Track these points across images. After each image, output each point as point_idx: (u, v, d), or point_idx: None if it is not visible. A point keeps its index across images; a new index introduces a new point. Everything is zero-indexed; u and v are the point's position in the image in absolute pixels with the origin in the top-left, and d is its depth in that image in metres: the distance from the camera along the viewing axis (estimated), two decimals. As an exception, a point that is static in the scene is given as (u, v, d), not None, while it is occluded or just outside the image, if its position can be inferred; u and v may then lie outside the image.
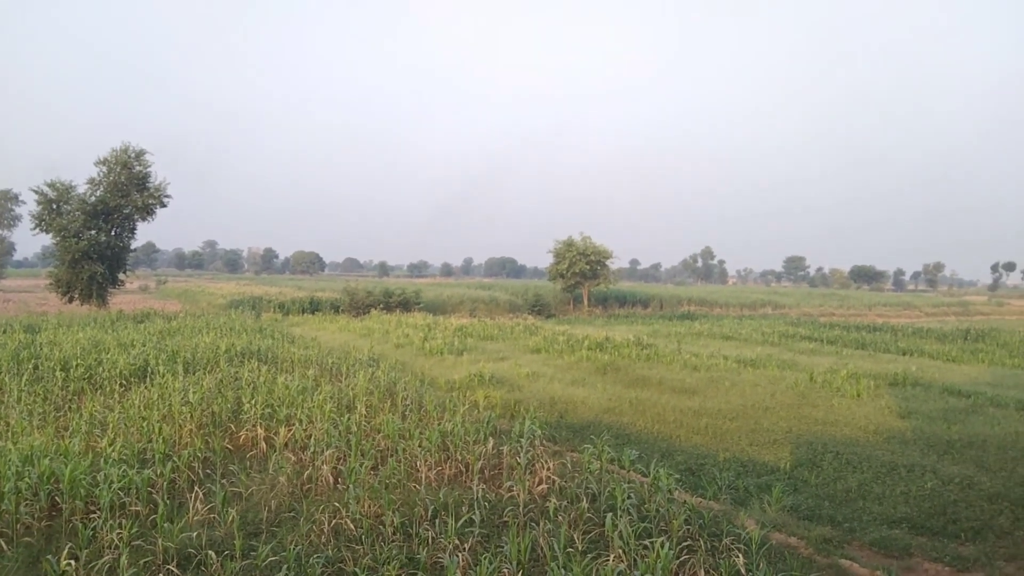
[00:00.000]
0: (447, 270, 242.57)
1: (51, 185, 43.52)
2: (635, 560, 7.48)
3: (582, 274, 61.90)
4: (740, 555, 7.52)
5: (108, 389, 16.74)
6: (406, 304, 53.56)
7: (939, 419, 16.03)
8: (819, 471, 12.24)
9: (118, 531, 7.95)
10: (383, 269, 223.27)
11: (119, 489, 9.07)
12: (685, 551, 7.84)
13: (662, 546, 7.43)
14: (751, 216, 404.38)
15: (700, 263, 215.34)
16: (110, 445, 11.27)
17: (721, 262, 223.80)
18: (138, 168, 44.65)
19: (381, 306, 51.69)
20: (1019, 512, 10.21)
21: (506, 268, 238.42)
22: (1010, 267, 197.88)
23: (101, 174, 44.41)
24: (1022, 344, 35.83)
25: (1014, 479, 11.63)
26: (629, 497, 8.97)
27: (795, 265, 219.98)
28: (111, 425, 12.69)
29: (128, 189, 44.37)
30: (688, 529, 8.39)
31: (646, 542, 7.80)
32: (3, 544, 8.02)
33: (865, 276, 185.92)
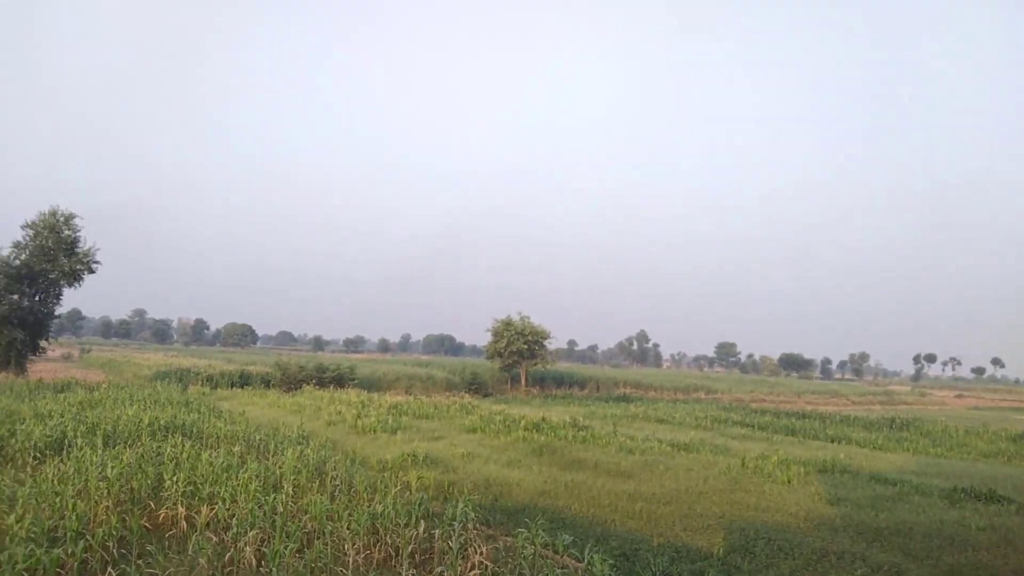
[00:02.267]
0: (384, 346, 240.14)
1: (-30, 248, 42.17)
2: (568, 650, 7.31)
3: (520, 353, 62.00)
4: (674, 645, 7.42)
5: (20, 462, 15.91)
6: (340, 380, 52.64)
7: (867, 506, 16.28)
8: (752, 557, 12.25)
9: (20, 616, 7.44)
10: (318, 343, 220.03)
11: (24, 569, 8.55)
12: (619, 640, 7.71)
13: (595, 635, 7.29)
14: (684, 301, 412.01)
15: (636, 346, 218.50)
16: (18, 522, 10.63)
17: (656, 345, 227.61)
18: (67, 232, 43.70)
19: (314, 381, 50.66)
20: (945, 601, 10.35)
21: (444, 345, 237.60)
22: (931, 359, 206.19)
23: (27, 237, 43.23)
24: (944, 433, 37.02)
25: (940, 567, 11.82)
26: (563, 583, 8.82)
27: (726, 351, 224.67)
28: (20, 500, 11.98)
29: (55, 254, 43.26)
30: (622, 617, 8.25)
31: (579, 631, 7.64)
32: None
33: (794, 364, 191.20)
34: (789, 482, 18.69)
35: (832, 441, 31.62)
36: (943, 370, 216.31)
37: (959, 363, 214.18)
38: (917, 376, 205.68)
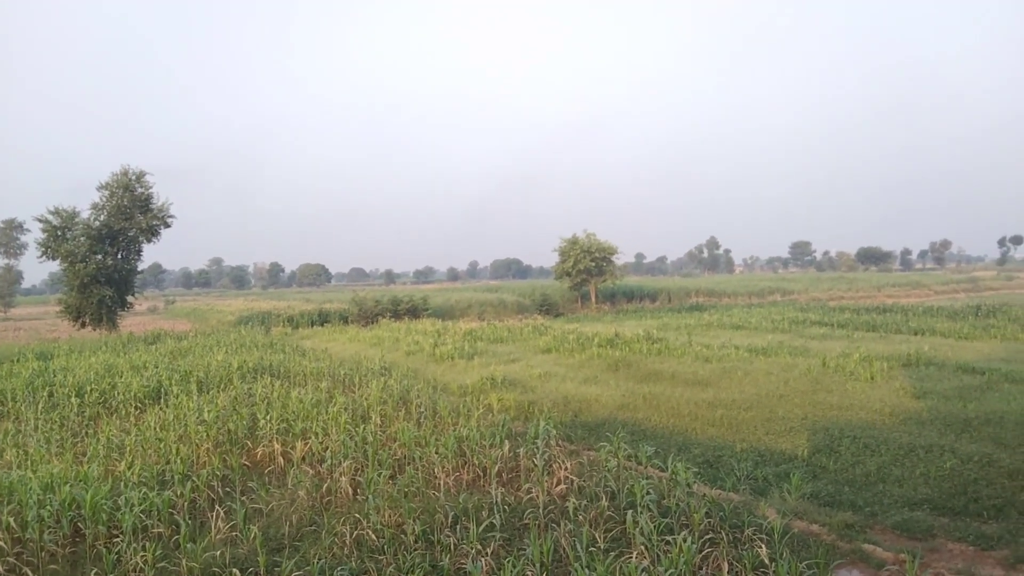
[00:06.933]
0: (453, 274, 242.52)
1: (55, 212, 43.69)
2: (658, 556, 7.49)
3: (588, 271, 61.72)
4: (763, 545, 7.52)
5: (123, 412, 16.81)
6: (414, 311, 53.53)
7: (954, 398, 15.95)
8: (837, 456, 12.21)
9: (142, 554, 7.98)
10: (389, 277, 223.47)
11: (140, 512, 9.12)
12: (707, 544, 7.85)
13: (684, 540, 7.44)
14: (755, 203, 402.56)
15: (706, 253, 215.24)
16: (129, 468, 11.34)
17: (727, 251, 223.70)
18: (140, 190, 44.78)
19: (390, 314, 51.69)
20: (1040, 487, 10.16)
21: (512, 269, 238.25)
22: (1017, 240, 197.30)
23: (104, 198, 44.57)
24: (1034, 318, 35.61)
25: (1034, 454, 11.57)
26: (648, 493, 8.97)
27: (801, 250, 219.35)
28: (128, 448, 12.74)
29: (131, 211, 44.50)
30: (709, 522, 8.39)
31: (668, 538, 7.80)
32: (29, 573, 8.06)
33: (872, 258, 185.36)
34: (872, 379, 18.42)
35: (915, 334, 30.83)
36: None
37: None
38: (1003, 260, 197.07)
